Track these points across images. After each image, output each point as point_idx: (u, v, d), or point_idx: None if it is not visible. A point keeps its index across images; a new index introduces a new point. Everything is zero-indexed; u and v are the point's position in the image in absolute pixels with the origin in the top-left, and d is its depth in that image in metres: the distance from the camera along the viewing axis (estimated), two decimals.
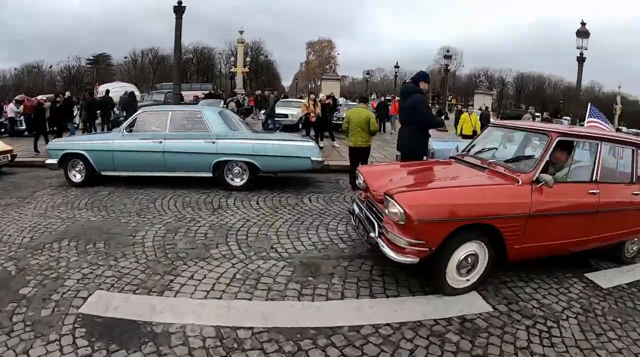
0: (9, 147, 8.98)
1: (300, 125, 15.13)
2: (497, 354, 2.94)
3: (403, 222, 3.26)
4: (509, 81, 70.59)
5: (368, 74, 58.53)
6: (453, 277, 3.57)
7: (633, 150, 4.24)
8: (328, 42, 65.13)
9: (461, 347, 2.97)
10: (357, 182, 4.54)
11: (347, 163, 7.89)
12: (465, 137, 11.25)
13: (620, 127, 31.67)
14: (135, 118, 7.39)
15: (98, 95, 16.97)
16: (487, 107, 19.81)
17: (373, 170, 4.82)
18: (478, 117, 12.71)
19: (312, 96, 12.46)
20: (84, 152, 7.16)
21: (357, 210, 4.28)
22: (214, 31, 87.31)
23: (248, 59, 45.55)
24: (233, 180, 7.18)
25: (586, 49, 18.91)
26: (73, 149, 7.27)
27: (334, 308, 3.35)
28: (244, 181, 7.17)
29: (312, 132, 12.42)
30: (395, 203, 3.29)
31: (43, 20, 69.89)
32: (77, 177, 7.37)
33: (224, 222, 5.45)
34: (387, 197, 3.45)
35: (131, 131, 7.25)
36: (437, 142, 7.63)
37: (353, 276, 3.90)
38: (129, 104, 14.60)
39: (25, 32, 68.96)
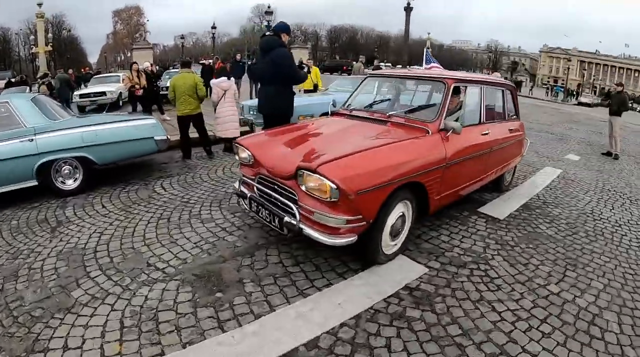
0: None
1: (121, 102, 13.09)
2: (462, 315, 2.74)
3: (336, 199, 2.70)
4: (323, 34, 74.46)
5: (182, 38, 54.28)
6: (387, 245, 3.23)
7: (502, 91, 4.49)
8: (136, 8, 57.88)
9: (428, 321, 2.67)
10: (238, 157, 3.73)
11: None
12: (306, 91, 10.85)
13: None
14: None
15: None
16: (301, 61, 20.07)
17: (257, 141, 3.83)
18: (319, 70, 12.59)
19: (136, 66, 10.57)
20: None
21: (250, 192, 3.52)
22: (6, 8, 68.70)
23: (50, 35, 37.48)
24: (64, 183, 5.46)
25: None
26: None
27: (273, 326, 2.63)
28: (78, 182, 5.51)
29: (139, 107, 10.64)
30: (323, 178, 2.69)
31: None
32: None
33: (73, 245, 4.00)
34: (305, 171, 2.81)
35: None
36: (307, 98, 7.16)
37: (267, 276, 3.17)
38: None
39: None
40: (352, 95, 4.59)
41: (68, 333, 2.67)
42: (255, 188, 3.44)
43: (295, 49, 43.72)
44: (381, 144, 3.23)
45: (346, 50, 71.24)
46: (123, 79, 13.11)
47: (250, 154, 3.52)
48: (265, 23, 29.01)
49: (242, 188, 3.62)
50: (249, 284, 3.04)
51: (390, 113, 3.82)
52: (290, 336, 2.51)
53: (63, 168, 5.46)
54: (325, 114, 5.00)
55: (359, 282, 3.08)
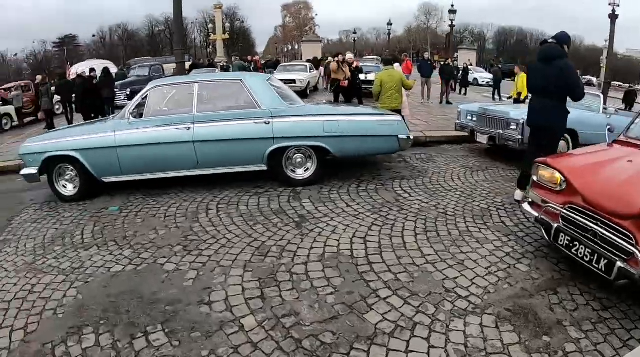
0: None
1: (308, 91, 13.37)
2: None
3: None
4: (490, 36, 68.81)
5: (354, 33, 55.11)
6: None
7: None
8: (305, 3, 61.13)
9: None
10: (538, 177, 3.35)
11: None
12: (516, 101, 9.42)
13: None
14: (146, 96, 5.08)
15: (70, 77, 14.07)
16: (471, 63, 17.94)
17: (573, 164, 3.29)
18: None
19: (340, 57, 10.25)
20: (74, 153, 4.90)
21: (551, 220, 3.04)
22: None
23: (228, 24, 42.18)
24: (295, 171, 5.18)
25: (618, 5, 17.13)
26: (58, 150, 4.95)
27: None
28: (310, 172, 5.18)
29: (341, 99, 10.26)
30: None
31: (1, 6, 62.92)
32: (69, 189, 5.13)
33: (335, 249, 3.51)
34: None
35: (141, 116, 5.03)
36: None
37: (583, 319, 2.56)
38: (104, 81, 11.86)
39: None
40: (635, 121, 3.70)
41: None
42: (560, 218, 2.97)
43: (463, 50, 40.66)
44: None
45: (514, 55, 64.76)
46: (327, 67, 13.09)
47: (563, 178, 3.10)
48: (448, 22, 27.42)
49: (542, 215, 3.14)
50: (570, 327, 2.51)
51: None
52: None
53: (296, 156, 5.13)
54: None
55: None
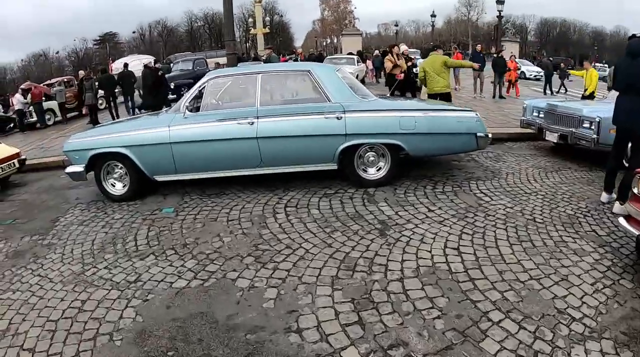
0: (14, 150, 6.26)
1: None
2: None
3: None
4: (532, 28, 65.58)
5: (396, 25, 53.43)
6: None
7: None
8: None
9: None
10: (636, 191, 2.93)
11: None
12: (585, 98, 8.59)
13: None
14: (204, 88, 4.56)
15: (114, 72, 13.94)
16: (514, 55, 16.42)
17: None
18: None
19: (396, 49, 9.47)
20: (124, 150, 4.41)
21: None
22: None
23: (268, 18, 42.00)
24: (366, 171, 4.57)
25: None
26: (107, 146, 4.48)
27: None
28: (383, 172, 4.57)
29: (397, 93, 9.45)
30: None
31: (42, 6, 65.46)
32: (118, 188, 4.66)
33: (429, 262, 3.01)
34: None
35: (197, 110, 4.50)
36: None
37: None
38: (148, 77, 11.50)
39: (27, 21, 64.31)
40: None
41: None
42: None
43: (506, 41, 38.70)
44: None
45: (557, 47, 61.41)
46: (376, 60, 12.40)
47: None
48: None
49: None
50: None
51: None
52: None
53: (367, 154, 4.52)
54: None
55: None
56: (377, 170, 4.57)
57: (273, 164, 4.47)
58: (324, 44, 56.73)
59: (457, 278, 2.78)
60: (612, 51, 58.37)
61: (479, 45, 15.55)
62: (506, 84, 14.61)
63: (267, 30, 34.20)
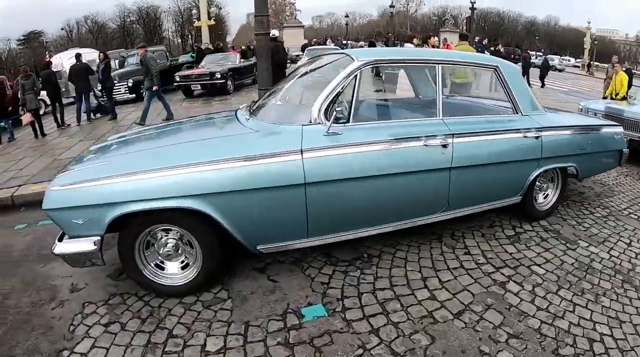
0: None
1: None
2: None
3: None
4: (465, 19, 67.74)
5: (347, 16, 51.82)
6: None
7: None
8: None
9: None
10: None
11: None
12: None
13: None
14: (349, 81, 2.49)
15: (54, 68, 10.91)
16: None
17: None
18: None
19: (432, 40, 8.48)
20: (198, 204, 2.21)
21: None
22: None
23: (214, 9, 39.28)
24: (536, 200, 3.49)
25: None
26: (155, 196, 2.19)
27: None
28: (552, 200, 3.58)
29: None
30: None
31: None
32: (173, 271, 2.46)
33: None
34: None
35: (345, 121, 2.47)
36: None
37: None
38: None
39: None
40: None
41: None
42: None
43: (445, 32, 39.45)
44: None
45: (490, 37, 64.13)
46: None
47: None
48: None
49: None
50: None
51: None
52: None
53: (542, 180, 3.50)
54: None
55: None
56: (545, 198, 3.58)
57: (457, 206, 2.87)
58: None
59: None
60: (546, 41, 62.09)
61: (485, 39, 14.80)
62: None
63: (212, 22, 31.29)
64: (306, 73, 3.22)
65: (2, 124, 8.14)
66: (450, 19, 56.24)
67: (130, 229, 2.30)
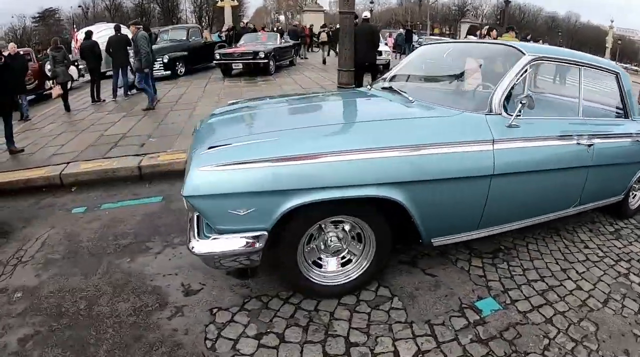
0: None
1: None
2: None
3: None
4: (487, 11, 66.57)
5: (372, 2, 50.53)
6: None
7: None
8: None
9: None
10: None
11: None
12: None
13: None
14: (525, 73, 2.37)
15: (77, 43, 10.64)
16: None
17: None
18: None
19: (494, 33, 8.67)
20: (397, 194, 1.97)
21: None
22: None
23: None
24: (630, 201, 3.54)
25: None
26: (355, 183, 1.90)
27: None
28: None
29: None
30: None
31: None
32: (332, 269, 2.20)
33: None
34: None
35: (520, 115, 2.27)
36: None
37: None
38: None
39: None
40: None
41: None
42: None
43: (466, 23, 39.03)
44: None
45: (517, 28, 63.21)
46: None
47: None
48: None
49: None
50: None
51: None
52: None
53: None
54: None
55: None
56: (633, 198, 3.57)
57: (585, 202, 2.96)
58: (276, 20, 52.93)
59: None
60: (566, 36, 61.08)
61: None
62: None
63: (235, 2, 30.61)
64: (450, 59, 3.22)
65: (21, 101, 6.98)
66: (472, 10, 55.27)
67: (301, 222, 2.00)
